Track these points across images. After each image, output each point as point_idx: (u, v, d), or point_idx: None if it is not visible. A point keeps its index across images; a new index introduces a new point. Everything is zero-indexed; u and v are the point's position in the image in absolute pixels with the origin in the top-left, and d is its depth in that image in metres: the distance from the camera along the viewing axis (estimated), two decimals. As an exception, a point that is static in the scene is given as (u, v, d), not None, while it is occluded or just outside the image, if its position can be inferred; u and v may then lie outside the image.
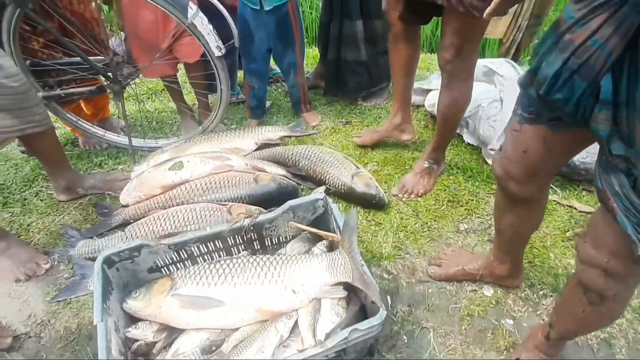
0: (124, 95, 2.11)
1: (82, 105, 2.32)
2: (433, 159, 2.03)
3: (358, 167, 2.00)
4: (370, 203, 1.89)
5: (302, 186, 2.05)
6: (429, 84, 2.57)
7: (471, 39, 1.60)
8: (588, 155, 1.90)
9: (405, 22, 1.78)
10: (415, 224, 1.86)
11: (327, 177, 1.96)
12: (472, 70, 1.73)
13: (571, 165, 1.93)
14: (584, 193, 1.98)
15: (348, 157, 2.08)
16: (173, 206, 1.83)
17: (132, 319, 1.33)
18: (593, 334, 1.44)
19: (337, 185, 1.92)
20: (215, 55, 1.89)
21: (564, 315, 1.19)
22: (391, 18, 1.82)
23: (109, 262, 1.31)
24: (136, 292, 1.30)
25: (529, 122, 1.03)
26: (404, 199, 1.98)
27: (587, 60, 0.78)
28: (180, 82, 2.45)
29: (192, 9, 1.77)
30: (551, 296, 1.56)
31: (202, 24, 1.80)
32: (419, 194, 1.99)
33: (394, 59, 1.99)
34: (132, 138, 2.25)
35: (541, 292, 1.58)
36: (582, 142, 1.04)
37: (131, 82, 2.06)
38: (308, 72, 3.01)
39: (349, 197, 1.93)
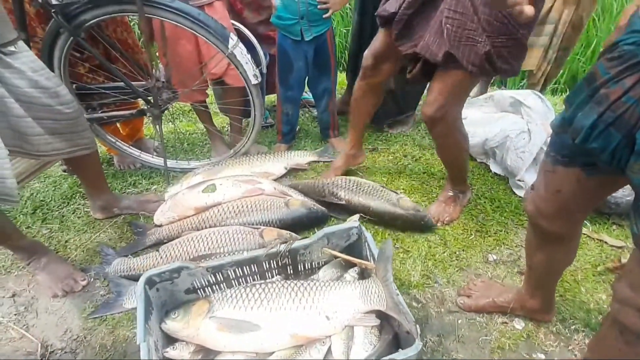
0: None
1: (119, 126, 2.42)
2: (456, 189, 2.06)
3: (397, 194, 2.02)
4: (419, 224, 1.92)
5: (332, 218, 2.05)
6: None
7: (458, 98, 1.70)
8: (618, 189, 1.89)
9: (410, 80, 1.81)
10: (444, 252, 1.87)
11: (370, 205, 1.95)
12: (457, 123, 1.81)
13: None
14: (614, 227, 1.97)
15: (385, 186, 2.10)
16: (206, 228, 1.88)
17: (170, 339, 1.37)
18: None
19: (381, 213, 1.93)
20: (252, 83, 1.96)
21: (598, 354, 1.17)
22: (368, 70, 1.88)
23: (150, 282, 1.35)
24: (175, 313, 1.33)
25: (563, 164, 1.06)
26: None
27: (623, 114, 0.83)
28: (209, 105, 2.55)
29: (233, 39, 1.85)
30: (583, 331, 1.55)
31: (242, 53, 1.88)
32: (445, 222, 2.00)
33: (361, 107, 2.05)
34: (155, 156, 2.33)
35: (573, 327, 1.56)
36: (616, 185, 1.06)
37: (169, 107, 2.14)
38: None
39: (394, 221, 1.94)
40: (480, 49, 1.44)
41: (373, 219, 1.96)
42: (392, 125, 2.80)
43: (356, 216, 1.55)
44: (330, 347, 1.32)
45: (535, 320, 1.58)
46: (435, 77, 1.67)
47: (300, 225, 1.91)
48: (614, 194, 1.90)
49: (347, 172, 2.31)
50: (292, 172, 2.40)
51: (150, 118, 2.11)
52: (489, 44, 1.42)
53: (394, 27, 1.62)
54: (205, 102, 2.41)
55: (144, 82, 2.02)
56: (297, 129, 2.74)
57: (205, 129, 2.57)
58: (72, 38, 1.80)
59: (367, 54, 1.85)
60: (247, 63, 1.90)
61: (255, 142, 2.35)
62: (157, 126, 2.10)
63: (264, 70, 2.26)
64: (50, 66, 1.86)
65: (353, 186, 2.05)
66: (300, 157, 2.42)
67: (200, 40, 1.95)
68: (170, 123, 2.69)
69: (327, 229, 1.49)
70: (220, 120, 2.91)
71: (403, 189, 2.25)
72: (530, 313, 1.57)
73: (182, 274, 1.39)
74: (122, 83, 1.97)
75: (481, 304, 1.61)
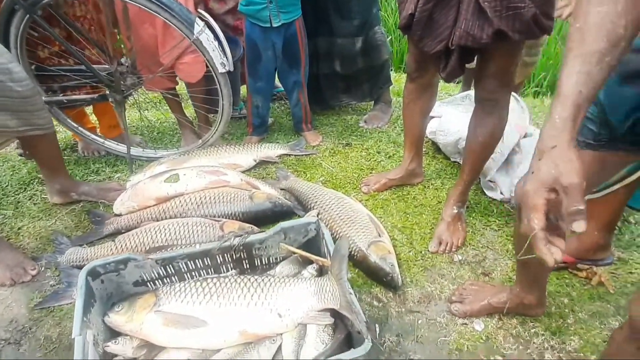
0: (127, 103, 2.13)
1: (98, 119, 2.35)
2: (461, 202, 1.91)
3: (380, 235, 1.75)
4: (381, 280, 1.65)
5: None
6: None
7: (512, 74, 1.59)
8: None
9: (447, 77, 1.68)
10: (409, 252, 1.83)
11: (345, 234, 1.72)
12: (507, 108, 1.71)
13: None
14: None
15: (374, 218, 1.85)
16: (166, 219, 1.82)
17: (113, 332, 1.31)
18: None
19: (350, 249, 1.67)
20: (220, 71, 1.90)
21: None
22: (413, 73, 1.81)
23: (94, 273, 1.29)
24: (119, 306, 1.28)
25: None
26: (445, 253, 1.83)
27: None
28: (180, 94, 2.48)
29: (199, 25, 1.79)
30: (542, 335, 1.52)
31: (208, 40, 1.81)
32: (460, 245, 1.85)
33: (413, 110, 1.95)
34: (131, 147, 2.25)
35: (533, 330, 1.54)
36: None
37: (133, 92, 2.07)
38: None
39: (360, 265, 1.70)
40: (526, 15, 1.36)
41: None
42: (369, 121, 2.76)
43: (314, 211, 1.50)
44: (280, 345, 1.28)
45: (530, 316, 1.55)
46: (481, 63, 1.59)
47: (264, 219, 1.86)
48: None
49: (312, 167, 2.26)
50: (262, 164, 2.34)
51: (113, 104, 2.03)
52: (533, 6, 1.37)
53: (414, 29, 1.54)
54: (175, 89, 2.34)
55: (107, 66, 1.95)
56: (269, 122, 2.69)
57: (176, 119, 2.50)
58: (28, 16, 1.71)
59: (408, 59, 1.81)
60: (213, 50, 1.84)
61: (225, 133, 2.29)
62: (121, 112, 2.02)
63: (232, 63, 2.17)
64: (6, 44, 1.78)
65: (338, 209, 1.83)
66: (271, 150, 2.36)
67: (162, 25, 1.88)
68: (138, 111, 2.60)
69: (284, 224, 1.44)
70: (193, 110, 2.83)
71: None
72: (526, 309, 1.53)
73: (129, 265, 1.33)
74: (83, 66, 1.89)
75: (477, 308, 1.56)
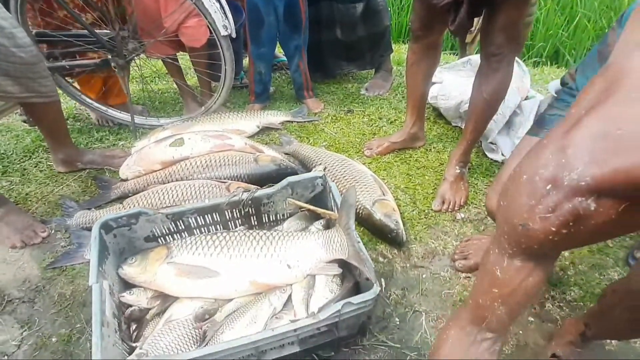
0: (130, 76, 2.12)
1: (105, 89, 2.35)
2: (463, 162, 1.92)
3: (384, 194, 1.78)
4: (386, 236, 1.68)
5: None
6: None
7: (519, 28, 1.58)
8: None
9: (455, 31, 1.64)
10: (413, 210, 1.86)
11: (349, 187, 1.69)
12: (513, 65, 1.70)
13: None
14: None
15: (377, 178, 1.88)
16: (172, 182, 1.84)
17: (127, 285, 1.34)
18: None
19: (355, 207, 1.64)
20: (222, 34, 1.89)
21: (604, 321, 1.16)
22: (418, 31, 1.79)
23: (106, 227, 1.31)
24: (132, 259, 1.30)
25: None
26: (449, 212, 1.87)
27: None
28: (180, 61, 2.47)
29: (200, -16, 1.77)
30: (544, 286, 1.57)
31: (209, 1, 1.80)
32: (462, 203, 1.88)
33: (417, 72, 1.94)
34: (134, 116, 2.25)
35: (534, 282, 1.58)
36: None
37: (135, 58, 2.06)
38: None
39: (365, 223, 1.73)
40: None
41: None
42: (370, 89, 2.77)
43: (321, 166, 1.52)
44: (290, 295, 1.32)
45: None
46: (489, 17, 1.57)
47: (269, 181, 1.84)
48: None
49: (314, 133, 2.27)
50: (265, 130, 2.35)
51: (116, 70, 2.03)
52: None
53: None
54: (175, 56, 2.33)
55: (108, 31, 1.94)
56: (271, 90, 2.69)
57: (177, 86, 2.50)
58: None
59: (413, 17, 1.79)
60: (215, 12, 1.83)
61: (227, 102, 2.29)
62: (124, 77, 2.02)
63: (234, 29, 2.16)
64: (6, 8, 1.76)
65: (342, 169, 1.87)
66: (273, 117, 2.37)
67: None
68: (141, 80, 2.58)
69: (291, 178, 1.46)
70: (196, 79, 2.83)
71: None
72: None
73: (141, 220, 1.35)
74: (86, 31, 1.88)
75: None
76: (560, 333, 1.35)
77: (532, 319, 1.48)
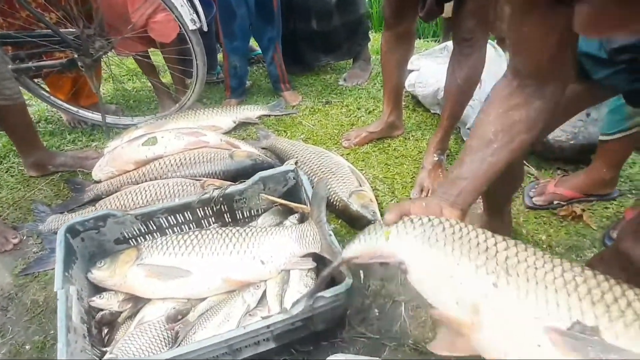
0: (104, 76, 2.08)
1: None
2: (440, 149, 1.90)
3: (361, 185, 1.76)
4: (363, 227, 1.69)
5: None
6: (410, 65, 2.55)
7: (490, 2, 1.56)
8: (563, 134, 1.90)
9: (426, 17, 1.67)
10: (392, 200, 1.85)
11: (328, 185, 1.70)
12: (485, 49, 1.69)
13: (546, 144, 1.93)
14: (558, 172, 1.99)
15: (355, 170, 1.86)
16: (146, 182, 1.80)
17: (98, 290, 1.31)
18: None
19: (332, 199, 1.69)
20: (190, 28, 1.85)
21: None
22: (390, 19, 1.77)
23: (73, 231, 1.28)
24: (101, 262, 1.28)
25: None
26: None
27: None
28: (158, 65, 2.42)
29: (164, -21, 1.73)
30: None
31: (175, -6, 1.76)
32: None
33: (390, 60, 1.92)
34: (107, 116, 2.21)
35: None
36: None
37: (104, 56, 2.01)
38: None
39: (342, 215, 1.71)
40: None
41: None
42: (348, 79, 2.74)
43: (292, 160, 1.50)
44: (265, 291, 1.30)
45: None
46: (459, 2, 1.55)
47: (245, 176, 1.82)
48: (557, 138, 1.91)
49: (292, 126, 2.25)
50: (242, 126, 2.32)
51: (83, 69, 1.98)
52: None
53: None
54: (147, 52, 2.29)
55: (73, 30, 1.89)
56: (248, 84, 2.65)
57: (151, 84, 2.45)
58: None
59: (384, 5, 1.77)
60: (182, 5, 1.79)
61: (204, 98, 2.25)
62: (92, 76, 1.97)
63: (204, 22, 2.11)
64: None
65: (318, 161, 1.84)
66: (250, 111, 2.34)
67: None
68: (111, 78, 2.53)
69: (262, 173, 1.44)
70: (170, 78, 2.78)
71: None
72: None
73: (109, 222, 1.32)
74: (50, 31, 1.83)
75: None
76: None
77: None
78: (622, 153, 1.63)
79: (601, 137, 1.61)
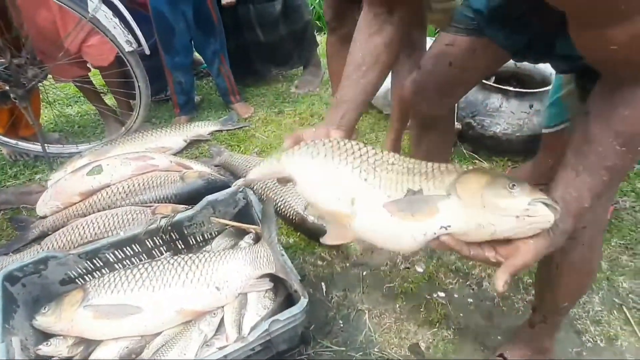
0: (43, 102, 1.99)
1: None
2: (395, 151, 1.91)
3: None
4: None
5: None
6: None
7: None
8: (509, 127, 1.95)
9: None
10: (348, 208, 1.85)
11: (279, 203, 1.73)
12: None
13: (494, 137, 1.98)
14: (509, 164, 2.04)
15: None
16: (94, 213, 1.73)
17: (46, 336, 1.25)
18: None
19: (288, 214, 1.71)
20: (126, 50, 1.79)
21: (540, 288, 1.18)
22: (332, 22, 1.79)
23: (11, 278, 1.21)
24: (45, 308, 1.21)
25: (467, 33, 1.07)
26: None
27: None
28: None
29: (93, 2, 1.66)
30: (480, 266, 1.60)
31: (107, 17, 1.70)
32: None
33: (337, 64, 1.88)
34: (50, 145, 2.11)
35: (470, 263, 1.61)
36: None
37: (38, 84, 1.92)
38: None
39: (300, 228, 1.70)
40: None
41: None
42: (300, 86, 2.73)
43: (240, 181, 1.46)
44: (223, 318, 1.27)
45: None
46: None
47: (198, 198, 1.78)
48: (504, 131, 1.95)
49: (245, 140, 2.22)
50: (194, 143, 2.27)
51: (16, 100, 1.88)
52: None
53: None
54: (88, 77, 2.20)
55: (2, 60, 1.79)
56: (197, 99, 2.60)
57: (96, 108, 2.36)
58: None
59: (325, 8, 1.78)
60: (115, 27, 1.72)
61: (152, 118, 2.19)
62: (26, 108, 1.88)
63: (146, 45, 2.05)
64: None
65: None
66: (201, 128, 2.29)
67: (57, 7, 1.74)
68: (50, 106, 2.42)
69: (210, 197, 1.41)
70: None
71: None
72: None
73: (50, 264, 1.26)
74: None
75: None
76: (512, 337, 1.34)
77: (471, 300, 1.51)
78: (564, 144, 1.67)
79: (544, 131, 1.66)
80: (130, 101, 2.28)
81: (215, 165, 2.05)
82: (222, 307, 1.28)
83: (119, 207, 1.73)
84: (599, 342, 1.37)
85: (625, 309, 1.43)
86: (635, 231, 1.66)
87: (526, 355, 1.26)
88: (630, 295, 1.47)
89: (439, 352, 1.37)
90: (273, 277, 1.31)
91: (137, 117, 2.10)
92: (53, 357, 1.20)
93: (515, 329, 1.35)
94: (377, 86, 0.95)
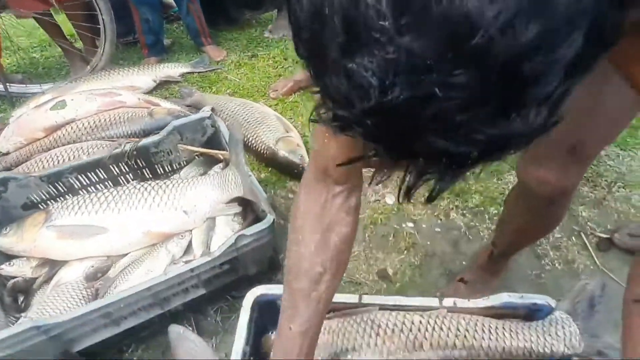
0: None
1: None
2: None
3: (287, 131, 1.74)
4: (293, 172, 1.65)
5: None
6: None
7: None
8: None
9: None
10: (321, 145, 1.84)
11: (250, 137, 1.70)
12: None
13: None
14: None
15: (282, 118, 1.84)
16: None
17: (9, 257, 1.23)
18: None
19: (259, 148, 1.68)
20: (88, -22, 1.70)
21: (506, 228, 1.16)
22: None
23: (-31, 200, 1.18)
24: (6, 229, 1.19)
25: None
26: None
27: None
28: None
29: None
30: (448, 198, 1.63)
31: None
32: None
33: None
34: (12, 85, 2.03)
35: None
36: None
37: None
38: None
39: (271, 162, 1.70)
40: None
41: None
42: (274, 30, 2.66)
43: (208, 107, 1.45)
44: (191, 240, 1.27)
45: None
46: None
47: None
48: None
49: (217, 82, 2.17)
50: (164, 85, 2.21)
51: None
52: None
53: None
54: (50, 12, 2.09)
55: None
56: (168, 42, 2.51)
57: (60, 47, 2.26)
58: None
59: None
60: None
61: (120, 60, 2.11)
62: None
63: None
64: None
65: (244, 113, 1.80)
66: (171, 69, 2.23)
67: None
68: (10, 42, 2.29)
69: (175, 122, 1.38)
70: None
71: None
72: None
73: (10, 186, 1.23)
74: None
75: None
76: (470, 262, 1.37)
77: (439, 229, 1.54)
78: None
79: None
80: (96, 39, 2.18)
81: (187, 106, 2.00)
82: (191, 230, 1.28)
83: (85, 142, 1.69)
84: (557, 265, 1.42)
85: (583, 235, 1.49)
86: (597, 165, 1.71)
87: (484, 277, 1.30)
88: (589, 223, 1.53)
89: (406, 276, 1.41)
90: (242, 202, 1.31)
91: (102, 54, 2.02)
92: (17, 277, 1.19)
93: (477, 254, 1.39)
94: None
